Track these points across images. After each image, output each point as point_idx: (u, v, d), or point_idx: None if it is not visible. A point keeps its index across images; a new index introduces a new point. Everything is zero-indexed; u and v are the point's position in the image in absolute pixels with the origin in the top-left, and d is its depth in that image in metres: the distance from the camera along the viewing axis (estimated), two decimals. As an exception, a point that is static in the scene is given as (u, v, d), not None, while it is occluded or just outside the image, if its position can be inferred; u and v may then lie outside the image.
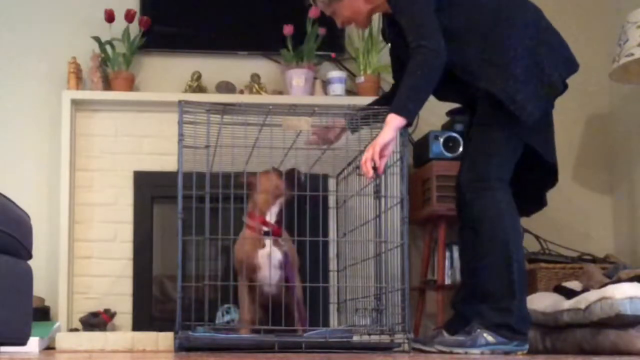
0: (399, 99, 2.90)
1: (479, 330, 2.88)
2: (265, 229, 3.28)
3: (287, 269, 3.28)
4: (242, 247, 3.30)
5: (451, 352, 2.88)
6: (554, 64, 2.97)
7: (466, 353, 2.85)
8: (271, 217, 3.33)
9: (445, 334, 3.07)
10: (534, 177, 3.11)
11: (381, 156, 2.89)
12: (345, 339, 3.16)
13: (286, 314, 3.23)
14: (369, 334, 3.29)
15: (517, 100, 2.87)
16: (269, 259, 3.26)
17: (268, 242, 3.27)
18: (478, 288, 2.98)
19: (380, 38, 4.39)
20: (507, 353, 2.87)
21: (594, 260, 4.09)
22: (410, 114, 2.90)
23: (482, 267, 2.95)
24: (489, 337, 2.86)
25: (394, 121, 2.88)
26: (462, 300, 3.11)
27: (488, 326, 2.88)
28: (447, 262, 4.21)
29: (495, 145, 2.97)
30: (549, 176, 3.13)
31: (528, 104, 2.88)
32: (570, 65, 3.04)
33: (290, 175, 3.31)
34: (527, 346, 2.92)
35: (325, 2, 3.14)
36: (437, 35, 2.89)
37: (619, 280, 3.13)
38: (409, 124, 2.96)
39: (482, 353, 2.84)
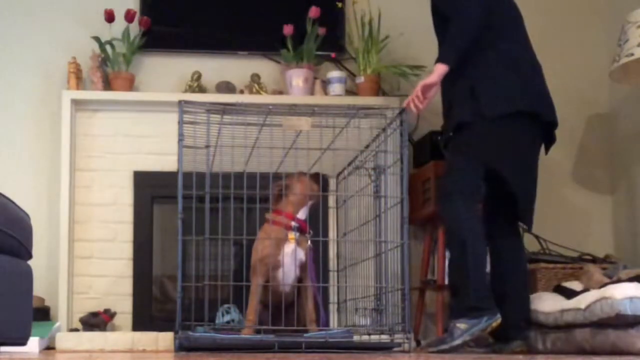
0: (448, 52, 3.27)
1: (452, 324, 3.15)
2: (293, 223, 3.30)
3: (307, 265, 3.31)
4: (266, 243, 3.31)
5: (438, 351, 3.11)
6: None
7: (450, 347, 3.09)
8: (303, 214, 3.38)
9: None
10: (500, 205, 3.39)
11: (424, 97, 3.27)
12: (345, 339, 3.16)
13: (298, 312, 3.25)
14: (369, 334, 3.29)
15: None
16: (293, 255, 3.28)
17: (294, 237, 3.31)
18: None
19: (380, 38, 4.41)
20: (484, 330, 3.12)
21: (594, 260, 4.09)
22: (454, 62, 3.23)
23: (450, 266, 3.43)
24: (461, 326, 3.11)
25: (441, 70, 3.23)
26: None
27: (457, 316, 3.15)
28: (446, 262, 4.20)
29: (453, 168, 3.30)
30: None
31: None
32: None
33: (317, 179, 3.34)
34: (498, 316, 3.15)
35: None
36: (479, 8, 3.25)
37: (619, 280, 3.13)
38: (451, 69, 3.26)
39: (463, 341, 3.10)
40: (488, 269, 3.32)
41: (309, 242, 3.34)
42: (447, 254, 3.76)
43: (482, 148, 3.25)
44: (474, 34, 3.26)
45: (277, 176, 3.36)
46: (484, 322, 3.13)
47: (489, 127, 3.22)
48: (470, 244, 3.18)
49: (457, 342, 3.10)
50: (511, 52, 3.32)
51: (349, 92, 4.43)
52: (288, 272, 3.29)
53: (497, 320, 3.15)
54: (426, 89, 3.26)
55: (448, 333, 3.14)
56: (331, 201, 3.98)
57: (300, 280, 3.33)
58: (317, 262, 3.46)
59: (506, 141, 3.25)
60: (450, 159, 3.38)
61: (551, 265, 3.97)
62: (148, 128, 4.34)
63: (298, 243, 3.30)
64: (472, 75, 3.27)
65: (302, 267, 3.32)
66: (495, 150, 3.25)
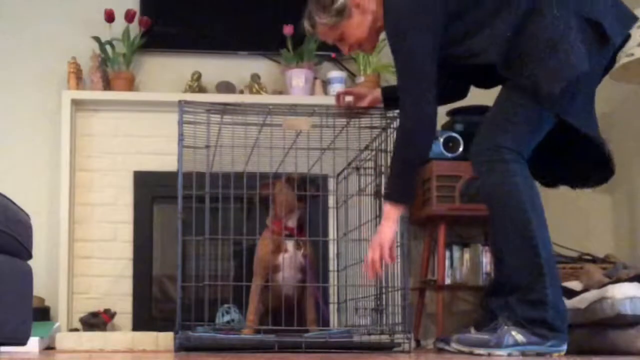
0: (390, 186, 2.71)
1: (506, 327, 2.53)
2: (286, 232, 3.33)
3: (308, 271, 3.32)
4: (265, 247, 3.36)
5: (471, 353, 2.56)
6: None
7: (489, 355, 2.51)
8: (293, 222, 3.39)
9: (472, 331, 2.75)
10: (575, 152, 2.76)
11: (390, 255, 2.71)
12: (345, 339, 3.16)
13: (299, 313, 3.26)
14: (369, 334, 3.29)
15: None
16: (291, 261, 3.33)
17: (290, 246, 3.33)
18: (504, 277, 2.61)
19: (380, 38, 4.40)
20: (540, 354, 2.51)
21: (594, 260, 4.08)
22: (408, 196, 2.71)
23: (505, 253, 2.59)
24: (518, 336, 2.51)
25: (393, 213, 2.68)
26: (491, 293, 2.73)
27: (517, 322, 2.52)
28: (447, 262, 4.21)
29: (519, 113, 2.58)
30: (593, 152, 2.72)
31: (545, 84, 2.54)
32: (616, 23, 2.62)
33: (293, 183, 3.34)
34: (565, 346, 2.54)
35: (330, 24, 2.81)
36: (425, 99, 2.60)
37: (619, 280, 3.13)
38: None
39: (509, 355, 2.50)
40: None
41: (307, 246, 3.36)
42: (491, 245, 2.81)
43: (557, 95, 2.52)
44: (428, 140, 2.67)
45: (277, 175, 3.37)
46: (547, 346, 2.51)
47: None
48: (537, 227, 2.53)
49: (502, 352, 2.50)
50: None
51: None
52: (288, 276, 3.32)
53: (561, 351, 2.53)
54: (391, 245, 2.71)
55: (496, 336, 2.53)
56: (331, 201, 3.98)
57: (301, 281, 3.36)
58: (316, 263, 3.47)
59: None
60: (507, 101, 2.63)
61: (551, 265, 3.96)
62: (148, 128, 4.34)
63: (297, 247, 3.34)
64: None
65: (302, 269, 3.34)
66: (571, 98, 2.56)
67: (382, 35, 4.36)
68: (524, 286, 2.53)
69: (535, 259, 2.52)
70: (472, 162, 2.69)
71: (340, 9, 2.75)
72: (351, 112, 3.13)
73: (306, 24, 2.93)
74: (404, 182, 2.68)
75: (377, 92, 3.03)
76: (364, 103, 3.10)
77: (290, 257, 3.34)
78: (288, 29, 4.36)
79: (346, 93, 3.10)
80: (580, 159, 2.78)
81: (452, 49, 2.64)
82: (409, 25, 2.60)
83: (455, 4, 2.61)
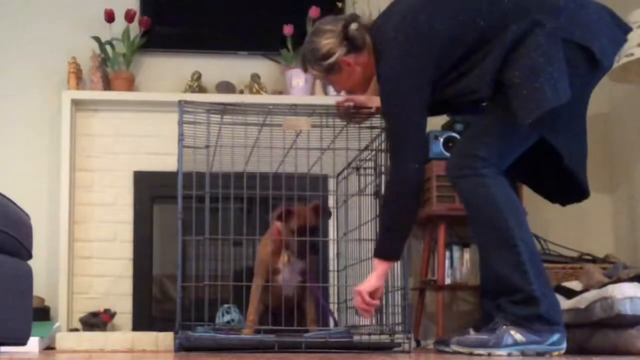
0: (378, 242, 2.78)
1: (504, 327, 2.53)
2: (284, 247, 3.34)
3: (308, 272, 3.33)
4: (266, 248, 3.36)
5: (471, 354, 2.55)
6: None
7: (489, 355, 2.51)
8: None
9: (472, 332, 2.75)
10: (548, 168, 2.84)
11: (373, 300, 2.76)
12: (345, 339, 3.16)
13: (299, 313, 3.27)
14: (369, 334, 3.29)
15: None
16: (292, 264, 3.33)
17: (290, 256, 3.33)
18: (491, 278, 2.65)
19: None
20: (540, 354, 2.51)
21: (594, 260, 4.08)
22: (394, 254, 2.75)
23: (486, 254, 2.65)
24: (517, 335, 2.51)
25: (380, 267, 2.74)
26: (483, 294, 2.78)
27: (515, 322, 2.53)
28: (447, 262, 4.21)
29: (491, 129, 2.63)
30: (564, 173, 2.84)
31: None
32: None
33: (316, 211, 3.34)
34: (564, 344, 2.55)
35: (321, 75, 2.89)
36: (411, 164, 2.64)
37: (619, 280, 3.13)
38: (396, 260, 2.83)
39: (509, 354, 2.50)
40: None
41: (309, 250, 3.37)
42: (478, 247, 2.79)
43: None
44: (414, 198, 2.68)
45: (277, 176, 3.37)
46: (547, 344, 2.51)
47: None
48: (515, 225, 2.56)
49: (501, 352, 2.49)
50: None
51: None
52: (288, 277, 3.33)
53: (561, 350, 2.53)
54: (373, 293, 2.75)
55: (494, 335, 2.53)
56: (331, 201, 3.98)
57: (301, 282, 3.36)
58: (317, 264, 3.46)
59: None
60: (481, 122, 2.69)
61: (551, 265, 3.96)
62: (148, 128, 4.35)
63: (299, 254, 3.32)
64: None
65: (303, 272, 3.34)
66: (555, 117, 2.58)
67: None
68: (510, 286, 2.55)
69: (515, 257, 2.54)
70: (447, 175, 2.73)
71: (331, 66, 2.81)
72: (348, 111, 3.13)
73: (300, 64, 3.03)
74: (391, 239, 2.73)
75: (377, 101, 3.04)
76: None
77: (290, 263, 3.34)
78: (288, 29, 4.36)
79: (346, 101, 3.11)
80: (551, 175, 2.84)
81: (443, 94, 2.67)
82: (402, 89, 2.64)
83: (447, 59, 2.62)
